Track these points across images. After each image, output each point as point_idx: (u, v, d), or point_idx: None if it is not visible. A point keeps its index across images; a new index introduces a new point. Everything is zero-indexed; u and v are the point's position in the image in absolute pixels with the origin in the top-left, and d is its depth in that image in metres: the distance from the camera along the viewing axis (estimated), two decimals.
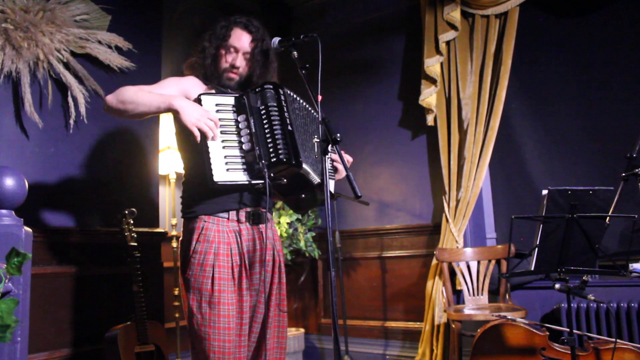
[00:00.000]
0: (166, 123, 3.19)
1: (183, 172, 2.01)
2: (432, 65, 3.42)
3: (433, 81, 3.43)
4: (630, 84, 3.09)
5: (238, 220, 1.88)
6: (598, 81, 3.18)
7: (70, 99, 2.67)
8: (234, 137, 1.80)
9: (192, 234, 1.85)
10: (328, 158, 2.01)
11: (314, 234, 3.74)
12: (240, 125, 1.80)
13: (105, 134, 2.86)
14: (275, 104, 1.79)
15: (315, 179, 1.89)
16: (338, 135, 1.61)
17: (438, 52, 3.43)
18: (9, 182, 1.54)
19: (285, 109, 1.80)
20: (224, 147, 1.76)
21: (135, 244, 2.57)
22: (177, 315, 3.19)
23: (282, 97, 1.82)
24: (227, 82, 1.97)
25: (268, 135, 1.75)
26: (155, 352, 2.53)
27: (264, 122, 1.77)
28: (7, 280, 1.36)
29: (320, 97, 1.73)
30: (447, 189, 3.39)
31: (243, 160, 1.77)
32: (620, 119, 3.09)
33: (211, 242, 1.82)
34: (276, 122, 1.76)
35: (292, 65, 1.87)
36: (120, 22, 2.92)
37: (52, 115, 2.64)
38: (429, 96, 3.44)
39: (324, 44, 1.73)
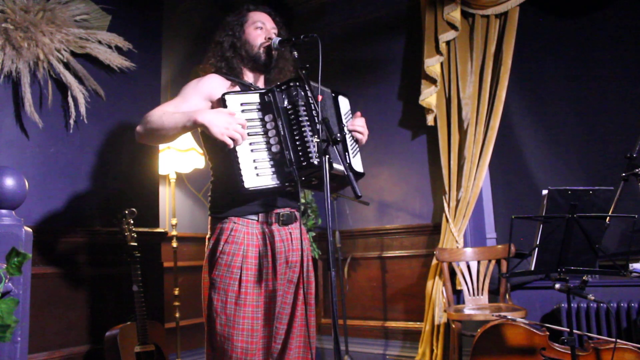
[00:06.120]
0: None
1: (210, 171, 1.97)
2: (432, 65, 3.42)
3: (433, 81, 3.43)
4: (630, 83, 3.09)
5: (267, 222, 1.86)
6: (598, 81, 3.18)
7: (70, 99, 2.66)
8: (262, 139, 1.76)
9: (221, 234, 1.83)
10: (348, 134, 2.02)
11: (314, 234, 3.74)
12: (267, 126, 1.76)
13: (105, 134, 2.86)
14: (302, 103, 1.75)
15: (344, 172, 1.83)
16: (338, 135, 1.62)
17: (438, 52, 3.43)
18: (9, 182, 1.54)
19: (312, 107, 1.74)
20: (252, 150, 1.73)
21: (135, 244, 2.57)
22: (177, 315, 3.19)
23: (309, 94, 1.76)
24: (265, 59, 1.94)
25: (297, 138, 1.72)
26: (155, 352, 2.53)
27: (293, 123, 1.74)
28: (7, 280, 1.36)
29: (320, 97, 1.73)
30: (447, 189, 3.39)
31: (272, 162, 1.74)
32: (620, 118, 3.09)
33: (240, 244, 1.81)
34: (305, 124, 1.72)
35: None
36: (120, 22, 2.92)
37: (52, 115, 2.64)
38: (429, 96, 3.44)
39: (324, 43, 1.73)
